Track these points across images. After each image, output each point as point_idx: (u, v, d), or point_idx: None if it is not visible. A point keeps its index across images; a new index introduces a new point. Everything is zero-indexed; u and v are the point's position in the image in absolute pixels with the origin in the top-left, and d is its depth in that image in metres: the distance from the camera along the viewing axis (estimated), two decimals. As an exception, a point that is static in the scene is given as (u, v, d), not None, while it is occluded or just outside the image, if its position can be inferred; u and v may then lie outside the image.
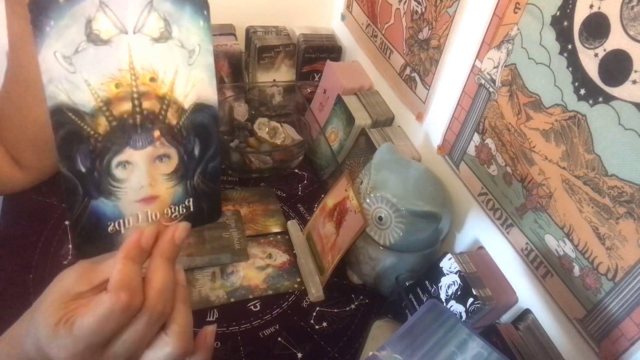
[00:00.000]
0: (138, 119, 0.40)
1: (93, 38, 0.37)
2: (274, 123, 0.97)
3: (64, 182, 0.40)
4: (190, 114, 0.43)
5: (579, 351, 0.59)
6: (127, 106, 0.40)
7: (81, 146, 0.39)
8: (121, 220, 0.43)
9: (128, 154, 0.41)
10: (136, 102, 0.40)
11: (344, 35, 1.10)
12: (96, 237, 0.42)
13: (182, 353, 0.39)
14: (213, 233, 0.78)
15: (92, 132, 0.39)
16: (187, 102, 0.42)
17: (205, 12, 0.41)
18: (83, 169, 0.40)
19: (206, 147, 0.45)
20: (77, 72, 0.37)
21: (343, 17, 1.10)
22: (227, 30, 1.02)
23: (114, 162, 0.41)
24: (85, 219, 0.41)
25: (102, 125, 0.39)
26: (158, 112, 0.41)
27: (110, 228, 0.42)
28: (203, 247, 0.76)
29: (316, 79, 1.10)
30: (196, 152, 0.44)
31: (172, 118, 0.42)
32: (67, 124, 0.38)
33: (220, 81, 1.00)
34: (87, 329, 0.35)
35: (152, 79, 0.40)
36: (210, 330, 0.44)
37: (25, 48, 0.70)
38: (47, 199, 0.79)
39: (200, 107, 0.43)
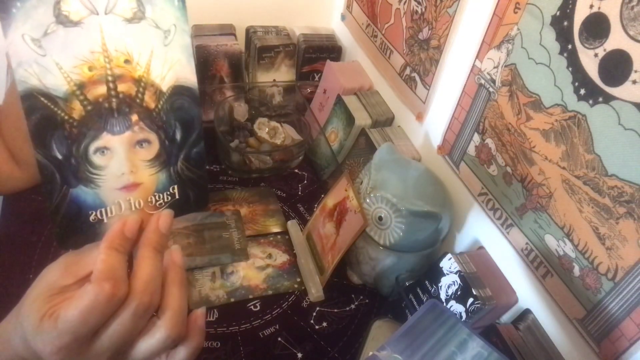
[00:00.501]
0: (114, 103, 0.39)
1: (62, 19, 0.36)
2: (274, 123, 0.97)
3: (40, 170, 0.38)
4: (169, 96, 0.41)
5: (579, 351, 0.59)
6: (102, 90, 0.38)
7: (56, 132, 0.38)
8: (103, 209, 0.41)
9: (106, 139, 0.39)
10: (111, 86, 0.39)
11: (344, 35, 1.10)
12: (78, 227, 0.41)
13: (175, 338, 0.38)
14: (213, 233, 0.78)
15: (66, 117, 0.38)
16: (165, 85, 0.41)
17: None
18: (59, 156, 0.38)
19: (188, 131, 0.43)
20: (48, 55, 0.36)
21: (343, 17, 1.10)
22: (227, 30, 1.02)
23: (92, 148, 0.39)
24: (65, 208, 0.40)
25: (77, 109, 0.38)
26: (135, 96, 0.40)
27: (92, 217, 0.41)
28: (203, 247, 0.76)
29: (316, 79, 1.10)
30: (178, 136, 0.43)
31: (149, 101, 0.40)
32: (40, 109, 0.37)
33: (220, 81, 1.01)
34: (71, 322, 0.35)
35: (127, 61, 0.39)
36: (199, 313, 0.42)
37: None
38: (47, 199, 0.79)
39: (179, 90, 0.41)
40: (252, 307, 0.72)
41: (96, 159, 0.40)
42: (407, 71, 0.87)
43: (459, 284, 0.62)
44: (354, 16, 1.04)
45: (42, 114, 0.37)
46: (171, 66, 0.41)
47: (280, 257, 0.79)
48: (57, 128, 0.38)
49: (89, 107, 0.38)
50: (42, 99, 0.37)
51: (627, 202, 0.50)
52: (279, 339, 0.69)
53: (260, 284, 0.75)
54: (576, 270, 0.58)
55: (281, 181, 0.93)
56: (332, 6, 1.13)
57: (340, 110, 0.95)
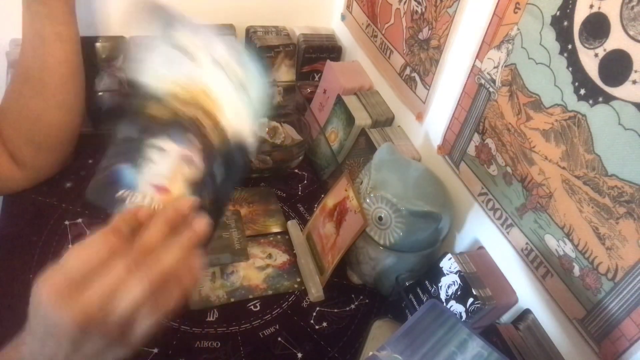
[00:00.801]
0: (188, 123, 0.47)
1: (177, 46, 0.47)
2: (274, 123, 0.97)
3: (115, 135, 0.48)
4: (229, 145, 0.48)
5: (579, 351, 0.59)
6: (186, 108, 0.47)
7: (140, 120, 0.47)
8: (131, 192, 0.47)
9: (167, 143, 0.47)
10: (192, 109, 0.47)
11: (344, 35, 1.10)
12: (105, 193, 0.47)
13: (153, 292, 0.39)
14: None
15: (154, 114, 0.47)
16: (231, 132, 0.48)
17: (262, 64, 0.49)
18: (134, 136, 0.47)
19: (228, 179, 0.49)
20: (165, 69, 0.47)
21: (343, 17, 1.10)
22: (227, 31, 1.02)
23: (155, 143, 0.47)
24: (108, 172, 0.47)
25: (162, 112, 0.47)
26: (205, 126, 0.47)
27: (119, 194, 0.46)
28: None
29: (316, 79, 1.10)
30: (218, 178, 0.48)
31: (214, 137, 0.47)
32: (138, 97, 0.47)
33: (220, 81, 1.00)
34: (71, 257, 0.38)
35: (210, 98, 0.47)
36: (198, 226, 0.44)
37: (27, 36, 0.71)
38: (47, 199, 0.79)
39: (239, 144, 0.48)
40: (252, 307, 0.72)
41: (152, 153, 0.47)
42: (407, 71, 0.87)
43: (459, 284, 0.62)
44: (354, 16, 1.04)
45: (136, 102, 0.47)
46: (241, 119, 0.48)
47: (280, 257, 0.79)
48: (143, 118, 0.47)
49: (170, 115, 0.47)
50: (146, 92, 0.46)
51: (627, 202, 0.50)
52: (279, 339, 0.69)
53: (260, 284, 0.74)
54: (576, 270, 0.58)
55: (281, 181, 0.93)
56: (332, 6, 1.13)
57: (340, 110, 0.95)
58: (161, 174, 0.47)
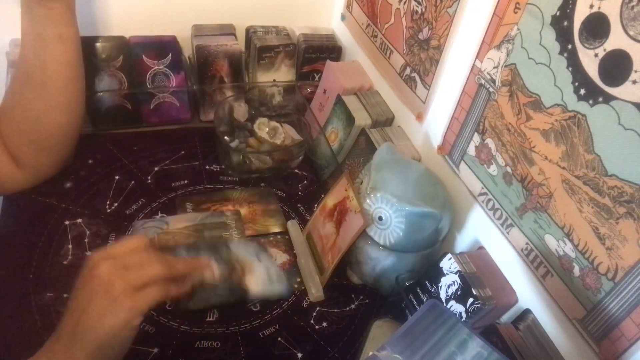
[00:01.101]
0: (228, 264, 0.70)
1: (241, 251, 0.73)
2: (274, 123, 0.97)
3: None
4: (240, 287, 0.69)
5: (579, 351, 0.59)
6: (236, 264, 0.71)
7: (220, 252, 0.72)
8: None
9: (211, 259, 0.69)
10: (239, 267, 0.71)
11: (344, 35, 1.10)
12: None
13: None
14: (213, 233, 0.78)
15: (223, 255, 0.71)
16: (245, 285, 0.69)
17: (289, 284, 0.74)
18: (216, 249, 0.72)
19: (222, 298, 0.69)
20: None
21: (343, 17, 1.10)
22: (227, 30, 1.02)
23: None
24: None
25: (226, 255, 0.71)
26: (236, 272, 0.70)
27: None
28: (203, 247, 0.77)
29: (316, 79, 1.10)
30: (218, 291, 0.69)
31: (234, 278, 0.69)
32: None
33: (220, 81, 1.01)
34: (120, 249, 0.53)
35: (247, 267, 0.71)
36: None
37: (27, 39, 0.71)
38: (47, 199, 0.79)
39: (245, 292, 0.70)
40: (252, 307, 0.72)
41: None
42: (407, 71, 0.87)
43: (459, 284, 0.62)
44: (354, 16, 1.04)
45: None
46: (255, 286, 0.70)
47: (280, 257, 0.79)
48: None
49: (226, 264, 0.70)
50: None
51: (627, 202, 0.50)
52: (279, 339, 0.69)
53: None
54: (576, 270, 0.58)
55: (281, 181, 0.93)
56: (332, 6, 1.13)
57: (340, 110, 0.95)
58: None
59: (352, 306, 0.75)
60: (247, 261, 0.71)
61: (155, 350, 0.65)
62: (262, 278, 0.70)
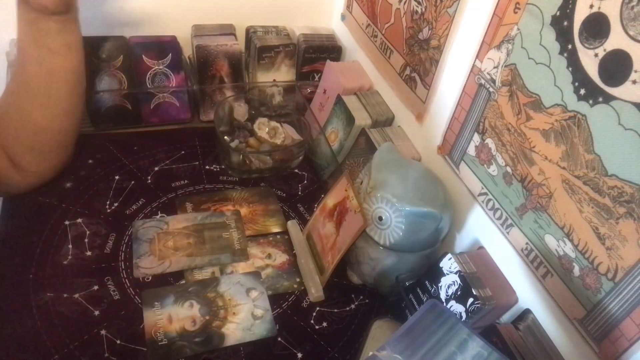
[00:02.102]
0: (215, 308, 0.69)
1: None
2: (274, 123, 0.97)
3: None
4: (214, 331, 0.67)
5: (579, 351, 0.59)
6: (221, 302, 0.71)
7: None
8: None
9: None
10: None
11: (344, 35, 1.10)
12: None
13: None
14: (213, 233, 0.78)
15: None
16: (225, 327, 0.68)
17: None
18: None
19: (195, 346, 0.66)
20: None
21: (343, 17, 1.10)
22: (227, 30, 1.02)
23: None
24: None
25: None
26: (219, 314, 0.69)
27: None
28: (203, 247, 0.76)
29: (316, 79, 1.10)
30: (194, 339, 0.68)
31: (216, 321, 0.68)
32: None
33: (220, 81, 1.01)
34: None
35: (232, 304, 0.70)
36: None
37: (30, 52, 0.70)
38: (47, 199, 0.79)
39: (220, 337, 0.67)
40: (252, 307, 0.72)
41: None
42: (407, 71, 0.87)
43: (459, 284, 0.62)
44: (354, 16, 1.04)
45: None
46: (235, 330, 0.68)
47: (280, 257, 0.79)
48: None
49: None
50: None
51: (627, 202, 0.50)
52: (279, 339, 0.69)
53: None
54: (576, 270, 0.58)
55: (281, 181, 0.93)
56: (332, 6, 1.13)
57: (340, 110, 0.95)
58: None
59: (352, 306, 0.75)
60: (234, 300, 0.70)
61: (155, 350, 0.64)
62: (244, 323, 0.68)
